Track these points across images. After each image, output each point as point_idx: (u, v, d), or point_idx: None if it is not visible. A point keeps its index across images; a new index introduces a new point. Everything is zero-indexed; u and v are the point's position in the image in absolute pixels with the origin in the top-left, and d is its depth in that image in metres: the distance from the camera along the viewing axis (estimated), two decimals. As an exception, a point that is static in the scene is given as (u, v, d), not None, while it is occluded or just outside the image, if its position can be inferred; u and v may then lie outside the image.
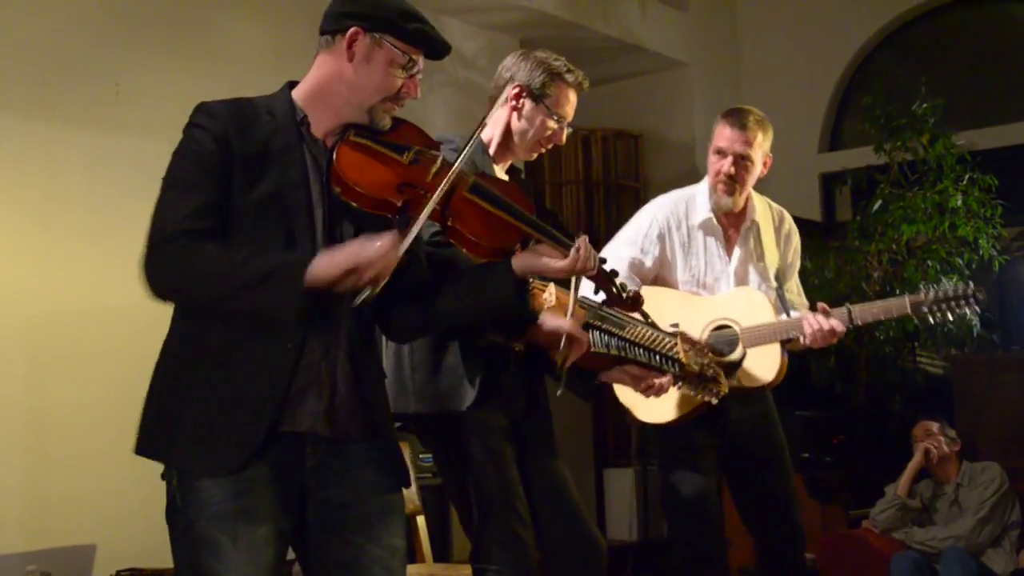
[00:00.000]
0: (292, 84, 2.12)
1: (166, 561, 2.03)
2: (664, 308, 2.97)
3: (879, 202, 5.74)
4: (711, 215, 3.21)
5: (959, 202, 5.50)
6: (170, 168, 1.99)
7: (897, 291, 5.62)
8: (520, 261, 2.13)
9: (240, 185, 1.96)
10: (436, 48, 2.12)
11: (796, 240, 3.34)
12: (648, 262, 3.20)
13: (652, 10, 6.52)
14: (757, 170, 3.18)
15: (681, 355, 2.64)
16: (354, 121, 2.07)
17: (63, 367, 4.08)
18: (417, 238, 2.04)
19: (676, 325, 2.94)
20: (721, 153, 3.16)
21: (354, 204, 2.02)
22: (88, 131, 4.19)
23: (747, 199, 3.24)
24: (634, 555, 5.95)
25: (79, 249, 4.16)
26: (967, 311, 3.06)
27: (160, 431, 1.97)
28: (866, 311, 3.07)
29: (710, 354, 2.79)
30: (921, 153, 5.75)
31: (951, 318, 3.06)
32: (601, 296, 2.39)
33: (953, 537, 4.48)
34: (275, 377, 1.95)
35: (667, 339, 2.64)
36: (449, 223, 2.08)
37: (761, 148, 3.17)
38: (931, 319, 3.08)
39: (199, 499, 1.92)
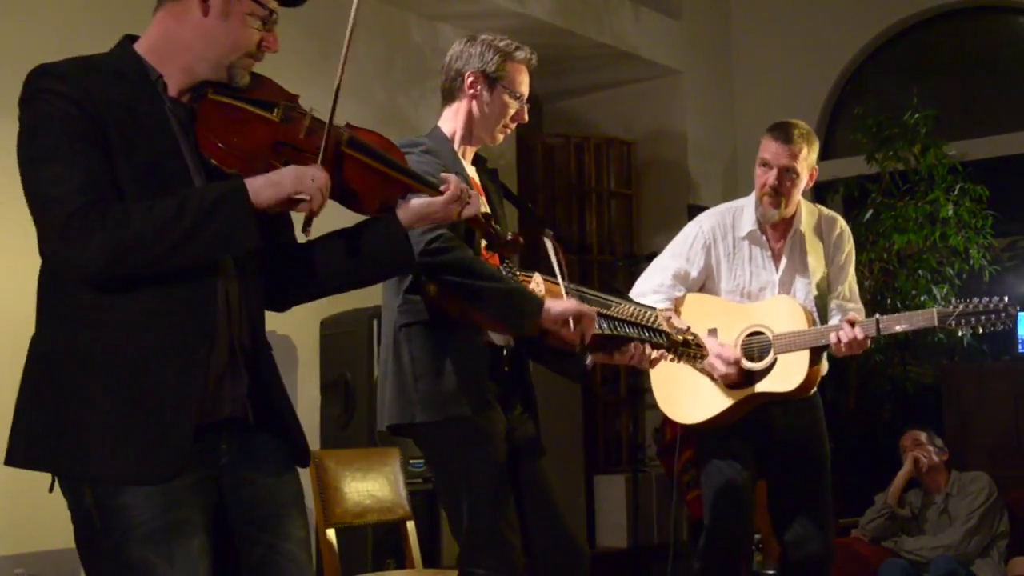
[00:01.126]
0: (131, 38, 1.96)
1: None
2: (704, 313, 3.10)
3: (870, 211, 5.76)
4: (756, 227, 3.26)
5: (950, 212, 5.52)
6: (29, 144, 1.79)
7: (888, 300, 5.65)
8: (404, 212, 2.02)
9: (116, 154, 1.78)
10: None
11: (849, 246, 3.38)
12: (694, 272, 3.28)
13: (645, 18, 6.53)
14: (803, 182, 3.23)
15: (664, 326, 2.71)
16: (210, 79, 1.90)
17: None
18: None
19: (714, 330, 3.05)
20: (766, 166, 3.21)
21: (232, 169, 1.85)
22: (80, 133, 4.18)
23: (796, 208, 3.28)
24: (624, 562, 5.95)
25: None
26: (999, 326, 3.08)
27: (60, 439, 1.76)
28: (892, 321, 3.14)
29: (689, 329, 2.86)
30: (912, 163, 5.77)
31: (980, 332, 3.08)
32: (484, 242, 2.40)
33: (942, 547, 4.49)
34: (192, 367, 1.79)
35: (649, 312, 2.72)
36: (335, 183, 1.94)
37: (807, 161, 3.21)
38: (959, 332, 3.13)
39: (125, 518, 1.74)
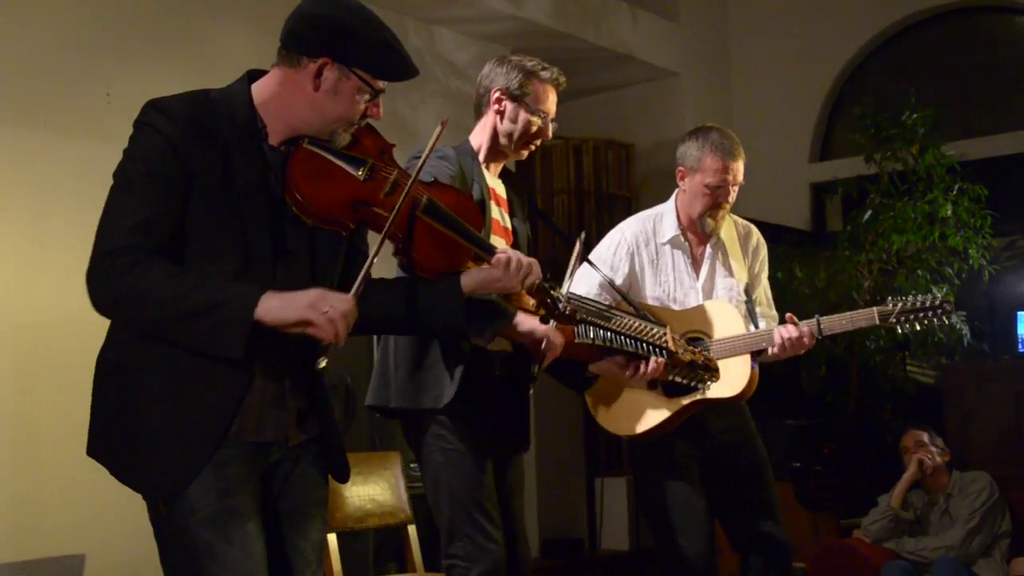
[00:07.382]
0: (252, 75, 2.06)
1: (155, 572, 2.01)
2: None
3: (869, 212, 5.76)
4: (679, 232, 3.25)
5: (949, 212, 5.52)
6: (122, 169, 1.93)
7: (889, 300, 5.65)
8: (468, 279, 2.14)
9: (197, 192, 1.91)
10: (407, 76, 2.07)
11: (764, 253, 3.40)
12: (618, 279, 3.22)
13: (643, 20, 6.54)
14: None
15: (670, 343, 2.71)
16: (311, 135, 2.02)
17: (52, 376, 4.06)
18: (366, 245, 2.10)
19: None
20: (722, 185, 3.16)
21: (309, 220, 1.98)
22: (78, 140, 4.18)
23: None
24: (626, 565, 5.95)
25: (68, 258, 4.12)
26: (935, 322, 3.09)
27: (111, 438, 1.95)
28: (834, 322, 3.13)
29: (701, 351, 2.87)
30: (911, 163, 5.77)
31: (919, 328, 3.10)
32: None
33: (944, 547, 4.48)
34: (227, 394, 1.93)
35: (656, 329, 2.72)
36: (403, 244, 2.06)
37: None
38: (899, 329, 3.12)
39: (185, 504, 1.90)
